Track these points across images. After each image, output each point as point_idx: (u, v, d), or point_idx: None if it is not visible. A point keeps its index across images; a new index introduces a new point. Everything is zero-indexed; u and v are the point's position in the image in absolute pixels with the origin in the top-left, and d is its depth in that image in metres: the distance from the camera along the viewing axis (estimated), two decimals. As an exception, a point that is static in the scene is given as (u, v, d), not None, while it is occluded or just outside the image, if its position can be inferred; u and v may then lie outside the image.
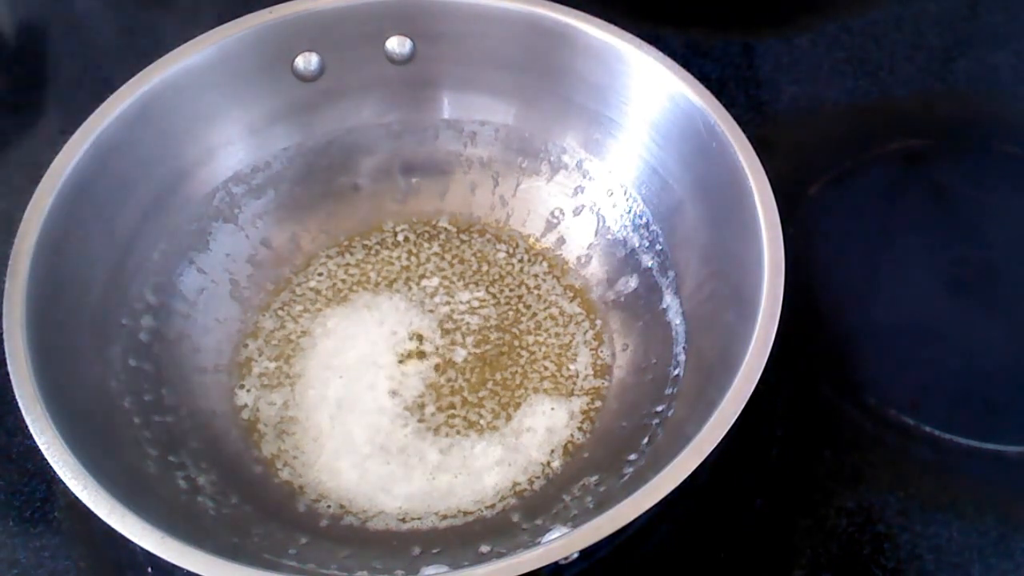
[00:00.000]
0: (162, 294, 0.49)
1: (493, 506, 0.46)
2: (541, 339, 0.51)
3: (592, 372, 0.50)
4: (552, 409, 0.49)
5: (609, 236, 0.53)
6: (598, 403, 0.49)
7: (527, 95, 0.53)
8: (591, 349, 0.51)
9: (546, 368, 0.50)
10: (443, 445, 0.47)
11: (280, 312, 0.52)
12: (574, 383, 0.50)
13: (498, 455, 0.47)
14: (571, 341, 0.51)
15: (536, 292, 0.53)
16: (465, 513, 0.46)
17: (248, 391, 0.49)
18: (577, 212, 0.53)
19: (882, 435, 0.48)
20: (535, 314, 0.52)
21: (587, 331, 0.51)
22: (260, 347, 0.51)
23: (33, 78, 0.62)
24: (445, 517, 0.46)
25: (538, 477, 0.47)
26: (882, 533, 0.45)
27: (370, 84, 0.53)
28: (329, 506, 0.46)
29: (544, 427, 0.48)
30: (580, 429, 0.48)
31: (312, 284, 0.53)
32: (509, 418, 0.48)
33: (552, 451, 0.48)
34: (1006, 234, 0.55)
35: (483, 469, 0.47)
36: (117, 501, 0.36)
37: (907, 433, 0.48)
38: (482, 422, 0.48)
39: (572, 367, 0.50)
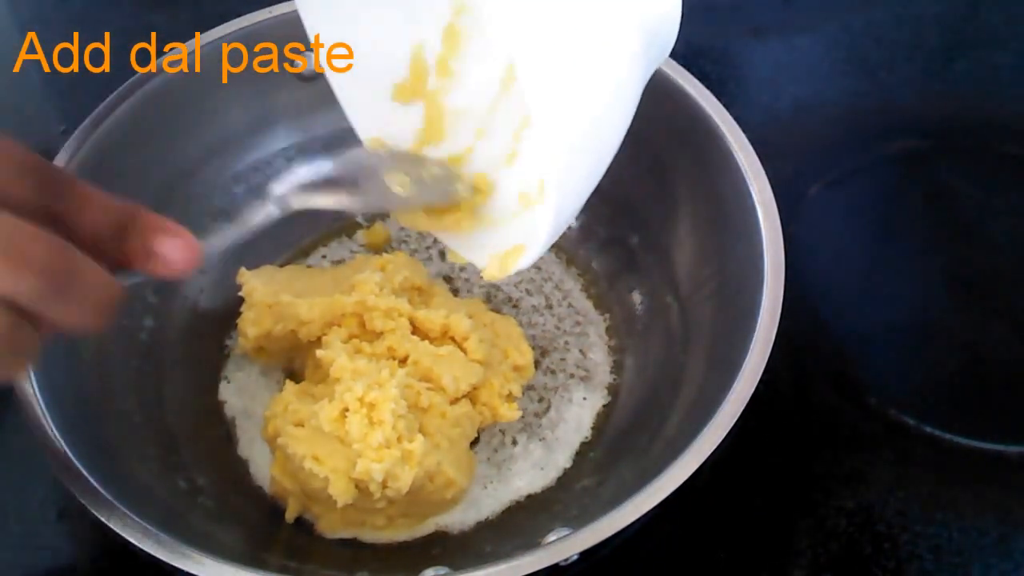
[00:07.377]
0: (162, 294, 0.49)
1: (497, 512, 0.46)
2: (566, 328, 0.51)
3: (608, 367, 0.50)
4: (584, 399, 0.49)
5: (608, 236, 0.52)
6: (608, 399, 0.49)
7: (527, 95, 0.52)
8: (605, 343, 0.51)
9: (572, 356, 0.50)
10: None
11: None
12: (596, 373, 0.50)
13: (538, 455, 0.47)
14: (588, 333, 0.51)
15: (552, 281, 0.53)
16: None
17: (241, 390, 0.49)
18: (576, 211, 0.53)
19: (882, 435, 0.48)
20: (551, 305, 0.52)
21: (599, 325, 0.51)
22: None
23: (33, 77, 0.62)
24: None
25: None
26: (882, 533, 0.45)
27: (370, 84, 0.53)
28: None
29: (576, 418, 0.48)
30: (592, 428, 0.48)
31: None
32: (548, 407, 0.48)
33: (570, 452, 0.47)
34: (1006, 234, 0.55)
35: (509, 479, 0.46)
36: (117, 501, 0.36)
37: (907, 433, 0.48)
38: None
39: (592, 356, 0.50)
